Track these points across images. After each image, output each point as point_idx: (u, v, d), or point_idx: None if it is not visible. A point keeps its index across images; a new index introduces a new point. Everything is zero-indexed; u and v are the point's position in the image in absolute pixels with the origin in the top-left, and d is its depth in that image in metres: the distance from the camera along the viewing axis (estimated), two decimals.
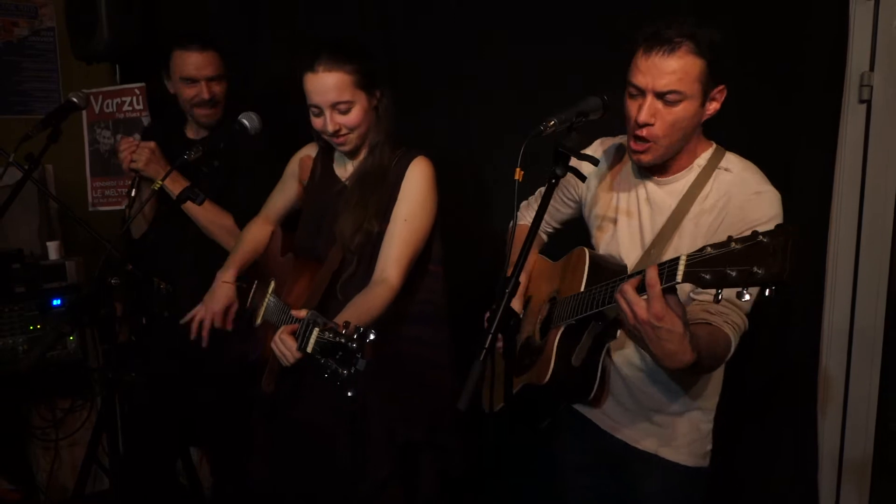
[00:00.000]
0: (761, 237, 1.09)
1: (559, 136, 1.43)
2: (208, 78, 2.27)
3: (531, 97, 2.34)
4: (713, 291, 1.16)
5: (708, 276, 1.15)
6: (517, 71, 2.38)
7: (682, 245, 1.52)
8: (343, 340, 1.43)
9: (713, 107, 1.50)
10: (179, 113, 2.41)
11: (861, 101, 2.07)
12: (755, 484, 2.22)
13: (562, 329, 1.58)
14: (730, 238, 1.14)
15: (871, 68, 2.05)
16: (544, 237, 1.97)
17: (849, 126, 2.08)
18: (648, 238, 1.59)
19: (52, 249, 2.98)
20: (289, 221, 2.18)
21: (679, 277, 1.20)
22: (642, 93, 1.47)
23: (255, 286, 2.10)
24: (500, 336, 1.69)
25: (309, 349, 1.49)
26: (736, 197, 1.49)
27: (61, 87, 3.28)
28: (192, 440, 2.76)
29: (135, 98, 2.80)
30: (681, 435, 1.62)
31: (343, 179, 1.96)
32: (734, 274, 1.11)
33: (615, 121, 1.57)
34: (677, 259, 1.21)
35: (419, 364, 1.95)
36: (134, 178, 2.20)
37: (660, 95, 1.46)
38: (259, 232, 2.17)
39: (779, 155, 2.00)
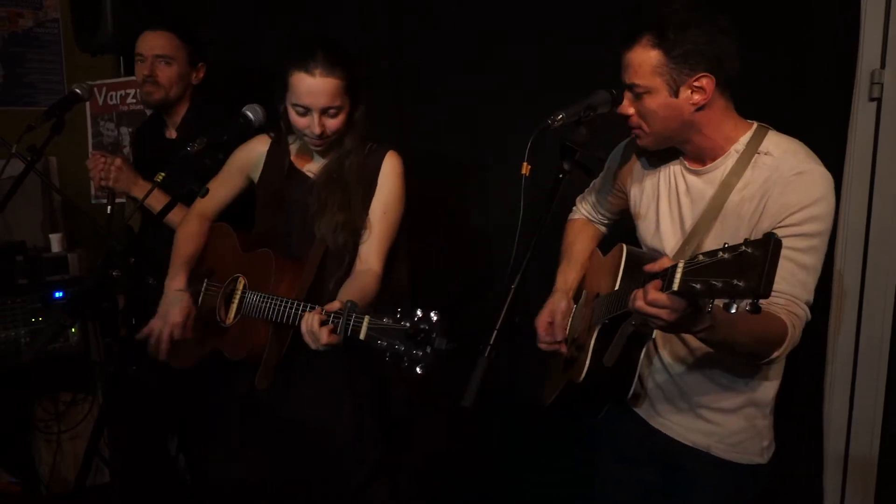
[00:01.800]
0: (744, 247, 1.05)
1: (567, 130, 1.42)
2: (156, 55, 2.27)
3: (534, 95, 2.33)
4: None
5: (698, 286, 1.11)
6: (519, 68, 2.37)
7: (725, 234, 1.47)
8: (407, 324, 1.45)
9: (699, 96, 1.43)
10: (160, 113, 2.42)
11: (871, 99, 2.04)
12: None
13: (598, 328, 1.57)
14: (721, 247, 1.10)
15: (882, 66, 2.02)
16: (603, 229, 1.93)
17: (858, 124, 2.06)
18: (688, 229, 1.55)
19: (55, 242, 2.97)
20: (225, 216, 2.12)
21: (676, 286, 1.15)
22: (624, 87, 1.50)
23: (205, 285, 2.04)
24: (561, 338, 1.70)
25: (362, 336, 1.52)
26: (777, 181, 1.42)
27: (65, 79, 3.27)
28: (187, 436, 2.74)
29: (139, 90, 2.79)
30: (734, 432, 1.57)
31: (310, 176, 1.96)
32: (719, 285, 1.07)
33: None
34: (675, 267, 1.17)
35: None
36: (108, 194, 2.21)
37: (630, 88, 1.47)
38: (197, 231, 2.10)
39: None
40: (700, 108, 1.45)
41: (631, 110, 1.50)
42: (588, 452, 1.88)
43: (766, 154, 1.46)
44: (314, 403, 1.95)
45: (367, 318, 1.52)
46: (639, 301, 1.23)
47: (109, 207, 2.18)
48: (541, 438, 2.41)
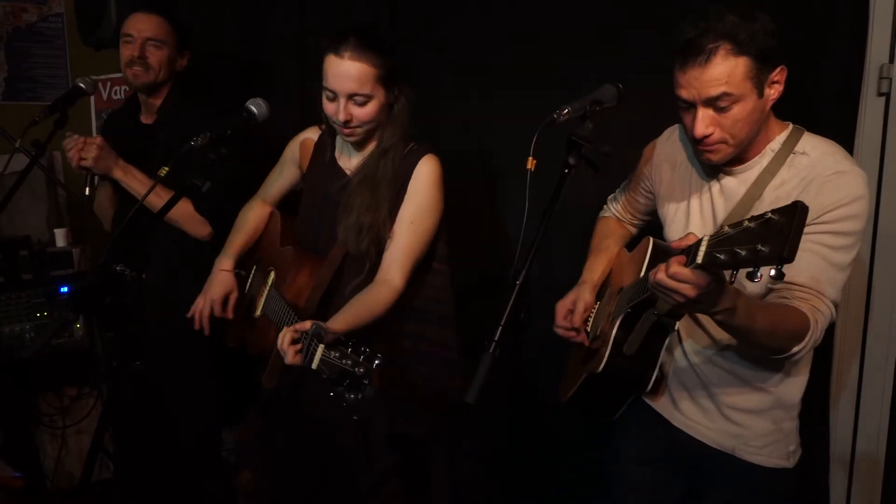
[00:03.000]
0: (769, 215, 1.06)
1: (573, 125, 1.40)
2: (147, 38, 2.25)
3: (541, 92, 2.31)
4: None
5: (723, 257, 1.11)
6: (528, 65, 2.35)
7: None
8: (349, 364, 1.41)
9: (775, 90, 1.41)
10: (135, 99, 2.40)
11: (880, 94, 2.03)
12: None
13: (620, 318, 1.55)
14: (746, 217, 1.11)
15: (891, 61, 2.01)
16: (633, 230, 1.92)
17: (867, 119, 2.04)
18: (719, 223, 1.52)
19: (60, 237, 2.97)
20: (285, 205, 2.14)
21: (699, 259, 1.15)
22: (692, 105, 1.41)
23: (253, 272, 2.07)
24: (579, 329, 1.69)
25: (314, 366, 1.48)
26: (814, 181, 1.40)
27: (69, 74, 3.26)
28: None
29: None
30: (760, 435, 1.54)
31: (348, 172, 1.91)
32: (743, 252, 1.08)
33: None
34: (700, 241, 1.17)
35: (423, 360, 1.93)
36: (87, 175, 2.17)
37: (709, 103, 1.38)
38: (258, 215, 2.12)
39: None
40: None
41: (711, 129, 1.40)
42: (600, 453, 1.87)
43: (802, 154, 1.45)
44: (322, 403, 1.90)
45: (321, 349, 1.48)
46: (660, 273, 1.21)
47: (88, 189, 2.14)
48: (554, 437, 2.40)
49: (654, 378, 1.57)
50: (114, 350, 2.00)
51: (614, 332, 1.55)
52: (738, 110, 1.38)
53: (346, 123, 1.77)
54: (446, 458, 2.01)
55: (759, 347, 1.42)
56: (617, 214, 1.92)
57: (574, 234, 2.06)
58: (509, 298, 1.30)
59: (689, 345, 1.58)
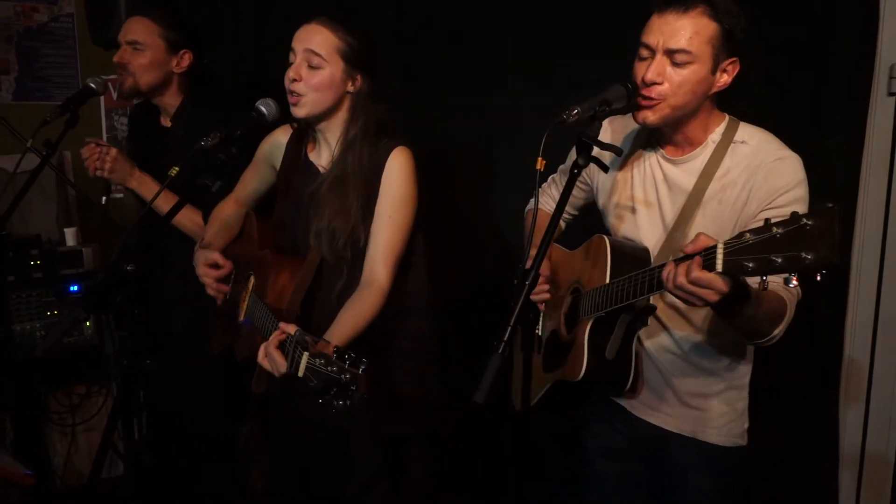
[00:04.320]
0: (804, 220, 1.07)
1: (582, 125, 1.40)
2: (127, 41, 2.23)
3: (544, 87, 2.32)
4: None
5: (752, 265, 1.12)
6: (530, 61, 2.36)
7: (707, 223, 1.50)
8: (335, 371, 1.40)
9: (724, 79, 1.48)
10: (134, 96, 2.36)
11: (890, 94, 2.02)
12: (775, 480, 2.19)
13: (591, 322, 1.55)
14: (768, 223, 1.11)
15: None
16: (562, 224, 1.93)
17: (877, 119, 2.03)
18: (669, 219, 1.56)
19: (70, 236, 2.98)
20: (261, 207, 2.10)
21: (719, 267, 1.18)
22: (652, 52, 1.46)
23: (232, 277, 2.03)
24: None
25: (300, 373, 1.46)
26: (760, 167, 1.46)
27: (80, 74, 3.28)
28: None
29: None
30: (717, 416, 1.60)
31: (321, 170, 1.88)
32: (780, 260, 1.09)
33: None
34: (714, 248, 1.19)
35: (408, 357, 1.92)
36: (104, 184, 2.19)
37: (669, 54, 1.44)
38: (230, 213, 2.07)
39: (805, 147, 1.95)
40: (713, 94, 1.48)
41: (661, 78, 1.45)
42: (570, 450, 1.88)
43: (742, 143, 1.51)
44: (309, 404, 1.86)
45: (305, 356, 1.46)
46: (680, 278, 1.24)
47: (105, 198, 2.17)
48: (525, 435, 2.40)
49: (632, 377, 1.59)
50: (125, 349, 2.01)
51: (587, 337, 1.55)
52: (690, 72, 1.44)
53: (294, 82, 1.76)
54: (426, 455, 1.99)
55: (746, 333, 1.47)
56: (548, 207, 1.92)
57: (576, 232, 2.06)
58: (518, 299, 1.30)
59: (649, 342, 1.61)
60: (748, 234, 1.13)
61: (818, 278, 1.06)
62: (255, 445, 2.08)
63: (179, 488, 2.58)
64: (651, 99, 1.46)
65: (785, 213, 1.37)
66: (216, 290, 1.97)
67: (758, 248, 1.11)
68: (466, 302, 2.48)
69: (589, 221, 1.81)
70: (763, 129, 1.54)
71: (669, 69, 1.44)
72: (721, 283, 1.21)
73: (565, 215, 1.91)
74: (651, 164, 1.61)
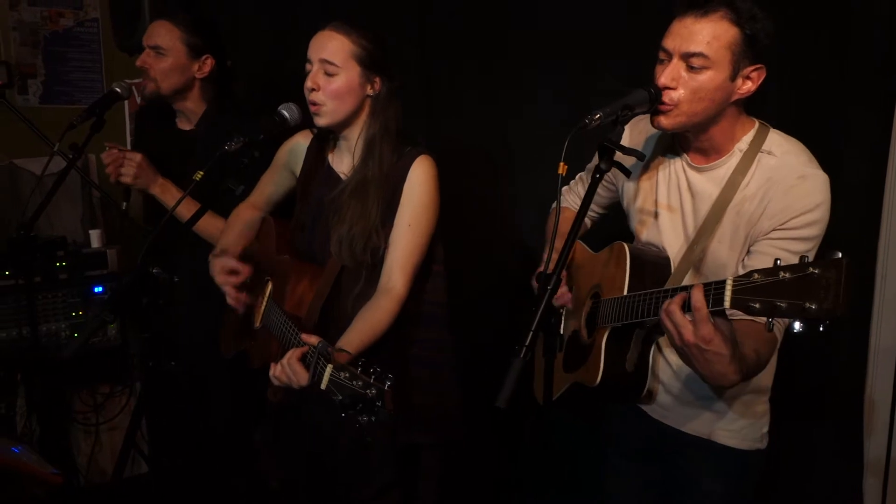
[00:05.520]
0: (811, 269, 1.05)
1: (604, 130, 1.40)
2: (150, 46, 2.24)
3: (563, 92, 2.31)
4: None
5: (757, 306, 1.12)
6: (550, 63, 2.35)
7: (725, 236, 1.48)
8: (360, 385, 1.38)
9: (747, 86, 1.43)
10: (156, 101, 2.35)
11: None
12: (798, 486, 2.17)
13: (608, 331, 1.55)
14: (777, 265, 1.10)
15: None
16: (588, 223, 1.93)
17: None
18: (691, 229, 1.55)
19: (95, 238, 3.03)
20: (277, 211, 2.10)
21: (727, 304, 1.18)
22: (669, 57, 1.43)
23: (248, 281, 2.02)
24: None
25: (323, 386, 1.46)
26: (779, 183, 1.42)
27: (104, 78, 3.33)
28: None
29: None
30: (734, 418, 1.59)
31: (342, 177, 1.88)
32: (784, 306, 1.08)
33: None
34: (723, 283, 1.18)
35: (426, 365, 1.91)
36: (123, 189, 2.18)
37: (685, 58, 1.40)
38: (248, 218, 2.07)
39: (827, 148, 1.92)
40: (737, 100, 1.45)
41: (674, 83, 1.42)
42: (587, 451, 1.88)
43: (768, 154, 1.46)
44: (325, 412, 1.80)
45: (329, 368, 1.45)
46: (687, 336, 1.25)
47: (125, 204, 2.17)
48: (542, 437, 2.40)
49: (647, 386, 1.59)
50: (149, 350, 2.03)
51: (604, 345, 1.54)
52: (706, 78, 1.40)
53: (312, 91, 1.76)
54: (441, 464, 1.99)
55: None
56: (573, 206, 1.91)
57: (596, 236, 2.06)
58: (540, 303, 1.30)
59: (669, 350, 1.60)
60: (757, 275, 1.13)
61: (821, 329, 1.05)
62: (269, 449, 2.09)
63: (195, 490, 2.60)
64: (665, 104, 1.44)
65: (798, 235, 1.40)
66: (235, 298, 1.92)
67: (765, 289, 1.11)
68: (484, 310, 2.48)
69: (616, 221, 1.80)
70: (793, 140, 1.49)
71: (685, 74, 1.41)
72: (726, 346, 1.23)
73: (592, 213, 1.91)
74: (676, 170, 1.59)
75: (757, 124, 1.52)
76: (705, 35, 1.38)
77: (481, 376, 1.78)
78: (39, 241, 2.77)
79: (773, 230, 1.41)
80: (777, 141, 1.48)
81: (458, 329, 1.99)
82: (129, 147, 2.82)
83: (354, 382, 1.39)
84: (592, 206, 1.88)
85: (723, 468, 1.61)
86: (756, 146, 1.48)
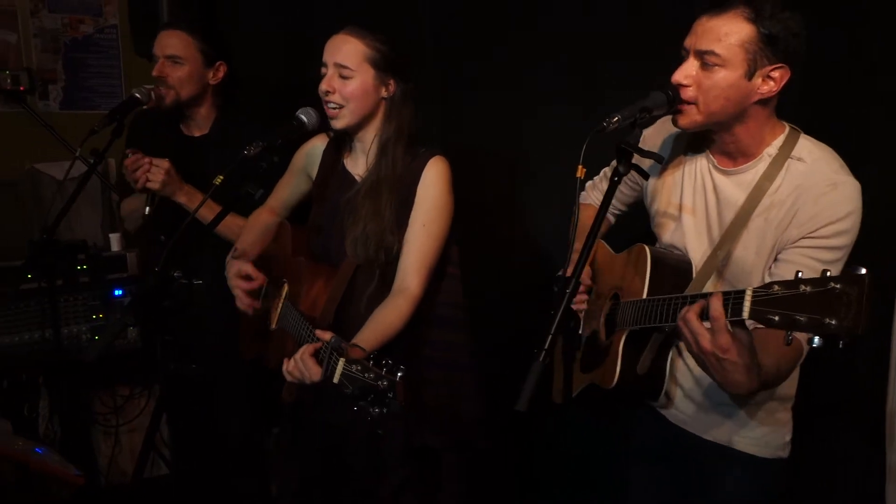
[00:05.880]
0: (832, 284, 1.04)
1: (622, 133, 1.40)
2: (166, 56, 2.26)
3: (578, 94, 2.31)
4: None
5: (776, 318, 1.11)
6: (565, 66, 2.35)
7: (751, 242, 1.46)
8: (372, 377, 1.40)
9: (768, 86, 1.39)
10: (174, 109, 2.35)
11: None
12: (818, 494, 2.14)
13: (626, 333, 1.54)
14: (798, 278, 1.09)
15: None
16: (611, 219, 1.92)
17: None
18: (716, 234, 1.52)
19: (114, 241, 3.06)
20: (293, 216, 2.11)
21: (746, 314, 1.16)
22: (687, 54, 1.43)
23: (265, 284, 2.04)
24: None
25: (335, 380, 1.47)
26: (809, 190, 1.39)
27: (123, 83, 3.37)
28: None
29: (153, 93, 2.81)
30: (756, 426, 1.57)
31: (357, 178, 1.90)
32: (803, 320, 1.06)
33: None
34: (742, 293, 1.17)
35: (439, 367, 1.92)
36: (148, 195, 2.19)
37: (699, 55, 1.39)
38: (265, 221, 2.09)
39: (851, 147, 1.90)
40: (760, 101, 1.42)
41: (688, 81, 1.41)
42: (603, 455, 1.87)
43: (798, 160, 1.44)
44: (338, 413, 1.82)
45: (341, 362, 1.46)
46: (704, 344, 1.24)
47: (148, 209, 2.18)
48: (557, 440, 2.40)
49: (665, 391, 1.57)
50: (171, 353, 2.05)
51: (621, 348, 1.54)
52: (720, 76, 1.38)
53: (328, 94, 1.78)
54: (457, 467, 1.98)
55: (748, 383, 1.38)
56: (596, 203, 1.89)
57: (620, 237, 2.05)
58: (559, 307, 1.30)
59: (690, 354, 1.57)
60: (777, 286, 1.11)
61: (840, 345, 1.04)
62: (285, 451, 2.10)
63: (214, 491, 2.62)
64: (683, 102, 1.43)
65: (827, 245, 1.37)
66: (245, 303, 1.93)
67: (785, 302, 1.09)
68: (501, 312, 2.48)
69: (642, 221, 1.79)
70: (824, 147, 1.46)
71: (699, 72, 1.40)
72: (743, 354, 1.22)
73: (614, 210, 1.90)
74: (702, 172, 1.56)
75: (787, 129, 1.49)
76: (718, 32, 1.37)
77: (500, 379, 1.79)
78: (61, 244, 2.80)
79: (802, 238, 1.39)
80: (808, 147, 1.46)
81: (479, 332, 1.99)
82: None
83: (366, 374, 1.41)
84: (615, 204, 1.86)
85: (745, 476, 1.58)
86: (786, 152, 1.45)
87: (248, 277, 1.93)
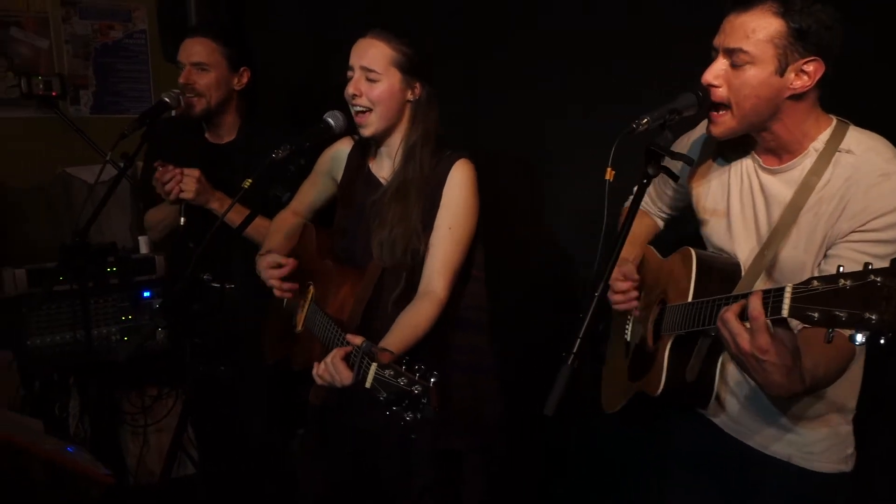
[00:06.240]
0: (873, 276, 0.99)
1: (652, 134, 1.39)
2: (192, 63, 2.26)
3: (603, 97, 2.29)
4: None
5: (815, 315, 1.06)
6: (588, 70, 2.33)
7: (801, 240, 1.41)
8: (405, 383, 1.40)
9: (801, 81, 1.34)
10: (204, 117, 2.35)
11: None
12: None
13: (672, 339, 1.51)
14: (839, 272, 1.04)
15: None
16: (660, 224, 1.88)
17: None
18: (764, 233, 1.47)
19: (143, 244, 3.10)
20: (317, 219, 2.12)
21: (785, 312, 1.11)
22: (717, 53, 1.39)
23: (294, 267, 2.02)
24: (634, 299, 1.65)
25: (368, 384, 1.47)
26: (859, 182, 1.33)
27: (152, 87, 3.42)
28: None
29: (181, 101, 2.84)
30: (817, 440, 1.51)
31: (383, 182, 1.90)
32: (843, 316, 1.02)
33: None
34: (782, 290, 1.13)
35: (464, 370, 1.91)
36: (180, 205, 2.19)
37: (728, 54, 1.36)
38: (290, 223, 2.09)
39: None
40: (795, 96, 1.37)
41: (718, 81, 1.37)
42: (641, 460, 1.84)
43: (847, 152, 1.38)
44: (366, 416, 1.84)
45: (373, 367, 1.46)
46: (743, 345, 1.20)
47: (183, 219, 2.18)
48: (595, 443, 2.37)
49: (715, 396, 1.54)
50: (200, 356, 2.07)
51: (667, 354, 1.51)
52: (750, 74, 1.34)
53: (354, 97, 1.78)
54: (482, 470, 1.97)
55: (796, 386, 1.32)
56: (645, 206, 1.87)
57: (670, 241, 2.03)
58: (588, 310, 1.29)
59: None
60: (816, 282, 1.07)
61: (882, 342, 0.99)
62: (311, 453, 2.10)
63: (241, 492, 2.64)
64: (716, 107, 1.40)
65: (879, 238, 1.31)
66: (282, 289, 1.92)
67: (824, 298, 1.05)
68: (526, 316, 2.47)
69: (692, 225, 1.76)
70: (876, 136, 1.40)
71: (729, 71, 1.37)
72: (783, 354, 1.18)
73: (661, 214, 1.87)
74: (749, 172, 1.52)
75: (835, 122, 1.43)
76: (746, 29, 1.33)
77: (526, 383, 1.78)
78: (92, 247, 2.85)
79: (853, 232, 1.33)
80: (857, 138, 1.39)
81: (500, 335, 1.98)
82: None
83: (400, 380, 1.41)
84: (662, 208, 1.84)
85: (803, 492, 1.52)
86: (833, 145, 1.39)
87: (278, 266, 1.94)
